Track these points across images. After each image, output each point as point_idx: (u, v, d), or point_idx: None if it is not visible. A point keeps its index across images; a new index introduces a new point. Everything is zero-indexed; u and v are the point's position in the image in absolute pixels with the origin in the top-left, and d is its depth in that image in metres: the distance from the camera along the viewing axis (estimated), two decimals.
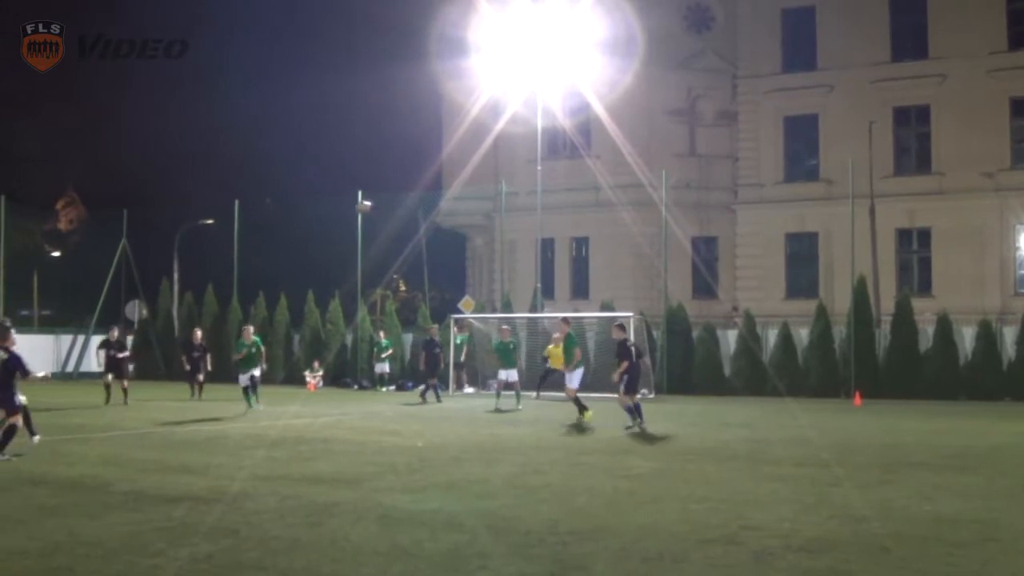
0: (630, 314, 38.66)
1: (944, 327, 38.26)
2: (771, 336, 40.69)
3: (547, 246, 52.98)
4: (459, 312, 44.68)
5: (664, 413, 29.53)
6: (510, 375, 32.30)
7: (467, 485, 14.35)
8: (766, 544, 10.43)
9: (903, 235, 50.46)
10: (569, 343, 25.87)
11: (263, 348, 31.03)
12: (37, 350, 50.02)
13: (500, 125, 52.21)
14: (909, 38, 50.82)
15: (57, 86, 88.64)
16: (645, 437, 21.86)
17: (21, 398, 17.87)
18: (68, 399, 30.99)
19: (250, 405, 29.08)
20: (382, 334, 43.68)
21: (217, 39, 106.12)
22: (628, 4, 52.04)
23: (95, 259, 56.55)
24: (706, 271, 51.89)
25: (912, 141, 51.54)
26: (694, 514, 12.09)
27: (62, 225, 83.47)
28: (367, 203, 43.06)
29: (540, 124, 46.52)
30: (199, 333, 36.32)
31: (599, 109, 50.97)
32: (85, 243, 70.59)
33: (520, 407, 30.72)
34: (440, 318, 44.39)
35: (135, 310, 53.95)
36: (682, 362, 40.76)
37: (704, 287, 51.72)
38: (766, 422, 26.48)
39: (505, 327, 35.31)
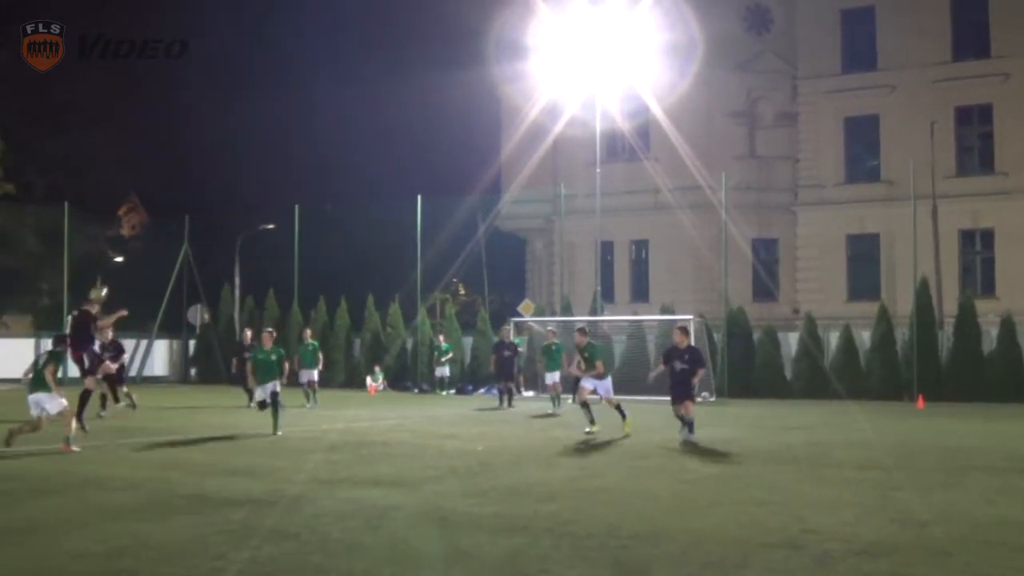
0: (690, 317, 38.57)
1: (1008, 329, 37.87)
2: (832, 339, 40.43)
3: (606, 249, 52.89)
4: (519, 315, 44.71)
5: (724, 416, 29.43)
6: (553, 377, 32.29)
7: (526, 488, 14.35)
8: (827, 548, 10.36)
9: (966, 236, 49.99)
10: (593, 352, 24.20)
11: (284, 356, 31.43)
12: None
13: (559, 128, 52.22)
14: (971, 37, 50.38)
15: (118, 93, 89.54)
16: (706, 441, 21.77)
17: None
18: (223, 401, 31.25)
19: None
20: (442, 338, 43.76)
21: (277, 44, 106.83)
22: (687, 6, 51.87)
23: (157, 264, 57.03)
24: (766, 273, 51.58)
25: (974, 141, 51.08)
26: (754, 518, 12.03)
27: (125, 231, 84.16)
28: (103, 291, 37.04)
29: (599, 127, 46.50)
30: (249, 334, 35.81)
31: (658, 111, 50.85)
32: (148, 249, 71.18)
33: (558, 411, 30.61)
34: (500, 321, 44.40)
35: (197, 315, 54.41)
36: (743, 365, 40.57)
37: (764, 290, 51.40)
38: (827, 425, 26.31)
39: (550, 329, 35.33)
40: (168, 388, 48.17)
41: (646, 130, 54.23)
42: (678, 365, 21.76)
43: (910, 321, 38.80)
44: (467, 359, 45.32)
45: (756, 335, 41.34)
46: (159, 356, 54.92)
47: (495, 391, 37.45)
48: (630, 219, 53.71)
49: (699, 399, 35.76)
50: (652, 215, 54.17)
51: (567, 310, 45.23)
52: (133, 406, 28.25)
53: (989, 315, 39.23)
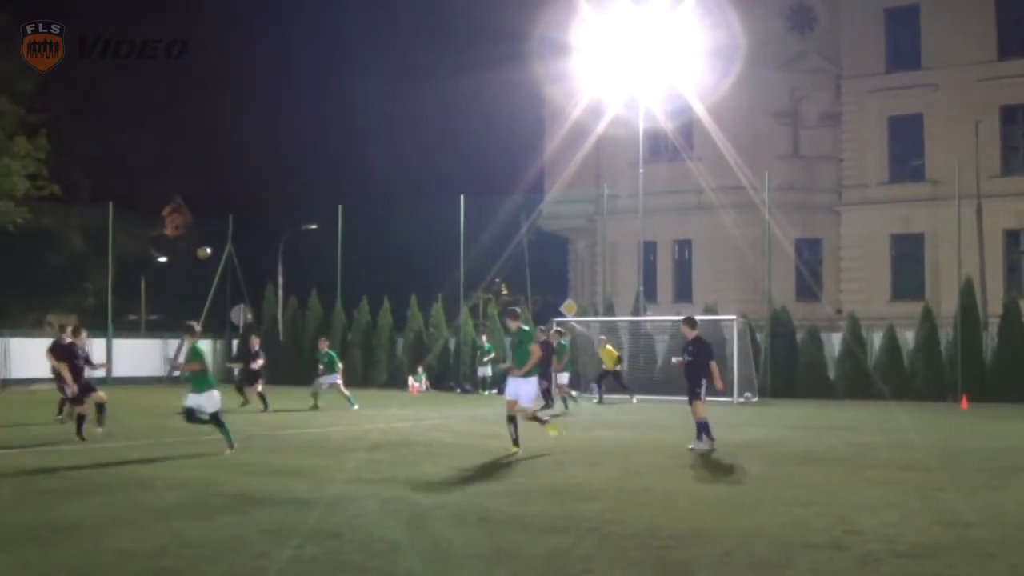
0: (733, 317, 38.50)
1: None
2: (876, 339, 40.18)
3: (649, 249, 52.84)
4: (561, 315, 44.68)
5: (767, 416, 29.36)
6: (561, 376, 32.49)
7: (568, 488, 14.36)
8: (871, 549, 10.32)
9: (1011, 236, 49.65)
10: (524, 339, 21.51)
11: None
12: (144, 354, 51.01)
13: (601, 128, 52.20)
14: (1016, 35, 50.02)
15: (163, 95, 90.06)
16: (748, 442, 21.70)
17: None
18: (175, 402, 31.37)
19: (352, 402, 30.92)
20: (484, 338, 43.77)
21: (322, 45, 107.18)
22: (730, 5, 51.74)
23: (201, 264, 57.38)
24: (809, 274, 51.31)
25: (1020, 140, 50.74)
26: (798, 518, 11.99)
27: (168, 231, 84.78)
28: (207, 249, 39.54)
29: (642, 126, 46.44)
30: (257, 341, 35.69)
31: (701, 111, 50.76)
32: (191, 249, 71.63)
33: (570, 411, 30.71)
34: (542, 321, 44.37)
35: (240, 315, 54.63)
36: (786, 365, 40.40)
37: (807, 290, 51.14)
38: (871, 426, 26.17)
39: (557, 330, 35.42)
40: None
41: (689, 130, 54.14)
42: (685, 358, 20.92)
43: (954, 321, 38.51)
44: (509, 359, 45.27)
45: (799, 335, 41.15)
46: None
47: (594, 390, 37.36)
48: (673, 219, 53.64)
49: (741, 399, 35.92)
50: (695, 215, 54.08)
51: (610, 310, 45.20)
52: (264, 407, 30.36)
53: None
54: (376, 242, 60.63)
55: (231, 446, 18.37)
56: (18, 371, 47.12)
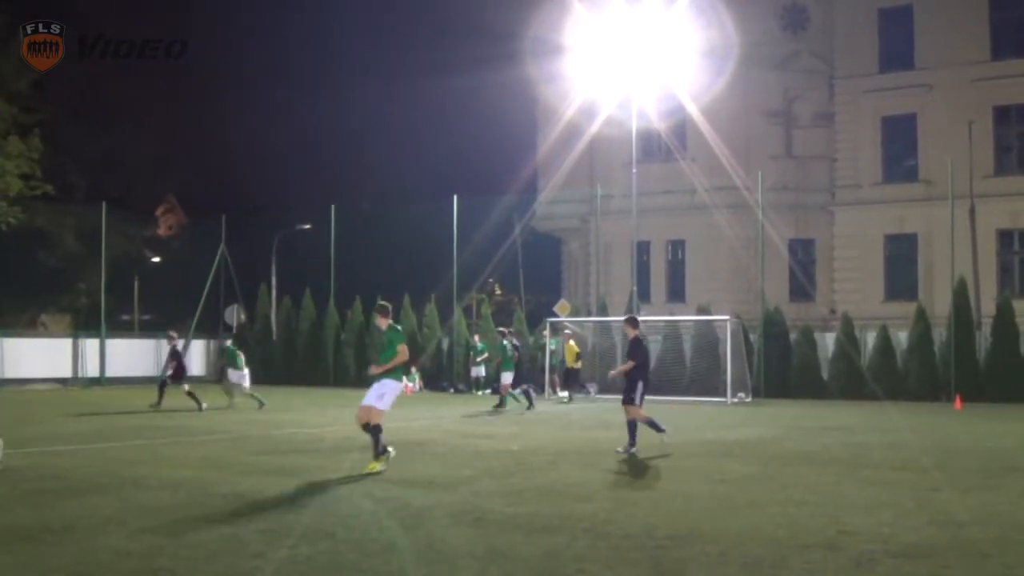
0: (726, 317, 38.55)
1: None
2: (869, 339, 40.27)
3: (643, 249, 52.88)
4: (555, 316, 44.73)
5: (761, 417, 29.40)
6: (504, 376, 33.52)
7: (563, 488, 14.37)
8: (865, 549, 10.33)
9: (1004, 236, 49.71)
10: (393, 338, 19.29)
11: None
12: (138, 354, 51.01)
13: (595, 128, 52.23)
14: (1010, 35, 50.13)
15: (156, 93, 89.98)
16: (743, 442, 21.73)
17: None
18: (169, 402, 31.41)
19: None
20: (477, 338, 43.83)
21: (310, 44, 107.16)
22: (723, 5, 51.80)
23: (194, 264, 57.38)
24: (803, 274, 51.34)
25: (1013, 140, 50.79)
26: (792, 519, 12.00)
27: (162, 231, 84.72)
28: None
29: (635, 127, 46.43)
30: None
31: (694, 111, 50.81)
32: (184, 248, 71.62)
33: (503, 410, 31.81)
34: (536, 322, 44.47)
35: (234, 315, 54.68)
36: (779, 365, 40.45)
37: (801, 290, 51.18)
38: (864, 426, 26.21)
39: (500, 330, 35.98)
40: (205, 388, 48.39)
41: (683, 130, 54.19)
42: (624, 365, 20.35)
43: (948, 321, 38.62)
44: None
45: (793, 335, 41.23)
46: (196, 356, 55.15)
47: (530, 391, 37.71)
48: (666, 219, 53.68)
49: (735, 399, 36.03)
50: (689, 215, 54.11)
51: (603, 310, 45.24)
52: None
53: None
54: (370, 242, 60.67)
55: None
56: (12, 371, 47.08)
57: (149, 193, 79.39)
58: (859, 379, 38.72)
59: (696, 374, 40.05)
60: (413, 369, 44.83)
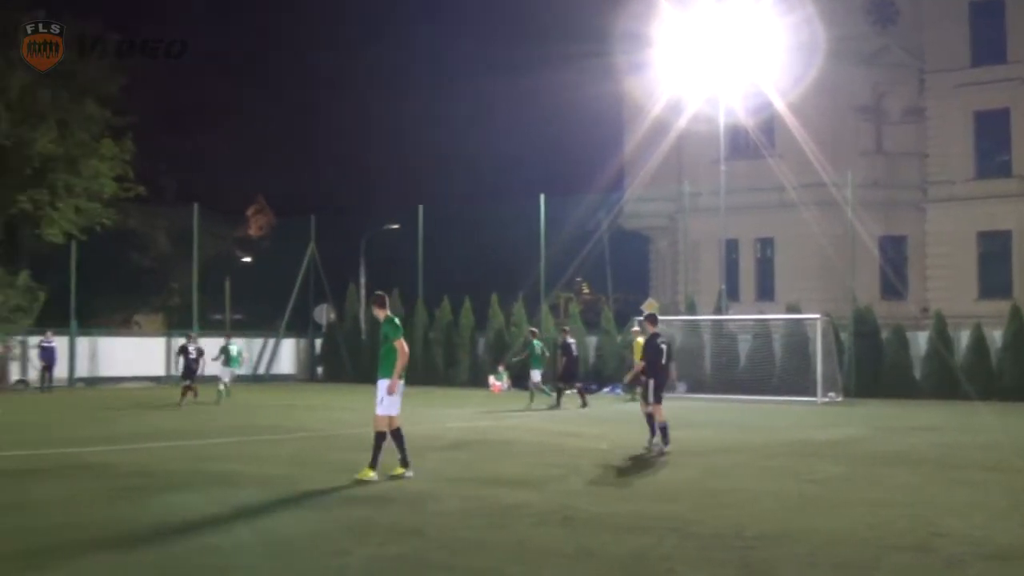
0: (817, 316, 38.19)
1: None
2: (963, 338, 39.60)
3: (731, 247, 52.55)
4: (642, 314, 44.56)
5: (852, 416, 29.10)
6: (533, 374, 34.11)
7: (650, 488, 14.33)
8: (957, 551, 10.20)
9: None
10: (390, 332, 17.87)
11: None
12: None
13: (682, 124, 51.97)
14: None
15: (246, 96, 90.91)
16: (832, 442, 21.53)
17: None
18: (260, 400, 31.75)
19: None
20: (566, 336, 43.74)
21: (403, 46, 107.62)
22: (811, 0, 51.33)
23: (285, 264, 57.89)
24: (894, 272, 50.68)
25: None
26: (882, 520, 11.87)
27: (252, 231, 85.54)
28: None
29: (723, 123, 46.11)
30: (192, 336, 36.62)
31: (782, 107, 50.37)
32: (275, 249, 72.24)
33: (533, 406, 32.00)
34: (624, 320, 44.29)
35: (323, 314, 55.14)
36: (870, 365, 39.97)
37: (892, 288, 50.53)
38: (957, 426, 25.87)
39: (531, 329, 37.17)
40: (295, 386, 48.89)
41: (771, 126, 53.78)
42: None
43: None
44: (591, 358, 45.20)
45: (884, 334, 40.70)
46: (286, 355, 55.73)
47: (618, 390, 37.78)
48: (755, 217, 53.28)
49: (826, 399, 35.68)
50: (777, 213, 53.68)
51: (691, 309, 44.98)
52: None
53: None
54: (457, 241, 60.78)
55: None
56: (106, 369, 47.82)
57: (239, 194, 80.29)
58: (952, 378, 38.13)
59: (786, 373, 39.65)
60: (500, 368, 44.85)
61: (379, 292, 16.20)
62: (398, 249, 54.22)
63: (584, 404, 32.81)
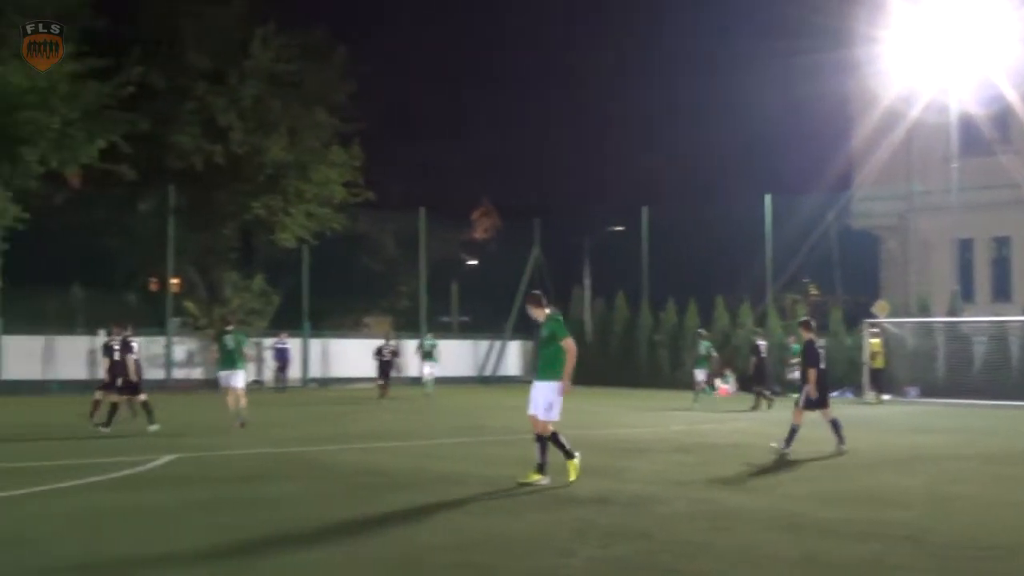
0: None
1: None
2: None
3: (965, 247, 51.03)
4: (873, 316, 43.64)
5: None
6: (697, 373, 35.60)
7: (880, 494, 14.00)
8: None
9: None
10: (556, 329, 16.33)
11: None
12: (458, 355, 52.36)
13: (912, 119, 50.63)
14: None
15: (469, 101, 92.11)
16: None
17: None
18: (486, 401, 32.08)
19: None
20: (793, 339, 43.16)
21: (624, 41, 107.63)
22: None
23: (510, 266, 58.45)
24: None
25: None
26: None
27: (478, 234, 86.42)
28: None
29: (954, 120, 44.83)
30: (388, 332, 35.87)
31: (1016, 102, 48.61)
32: (500, 251, 72.91)
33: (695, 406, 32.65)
34: (853, 322, 43.47)
35: None
36: None
37: None
38: None
39: (700, 331, 38.87)
40: (521, 388, 49.21)
41: (1004, 121, 51.94)
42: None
43: None
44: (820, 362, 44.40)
45: None
46: (512, 356, 56.29)
47: (849, 393, 37.26)
48: (989, 215, 51.50)
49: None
50: (1013, 211, 51.79)
51: (924, 310, 43.87)
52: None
53: None
54: (682, 242, 60.44)
55: None
56: (337, 370, 49.02)
57: (465, 197, 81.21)
58: None
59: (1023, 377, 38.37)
60: (727, 371, 44.48)
61: (535, 291, 15.76)
62: (622, 251, 54.25)
63: (756, 407, 32.54)
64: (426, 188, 71.10)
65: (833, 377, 42.22)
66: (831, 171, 56.72)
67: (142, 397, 23.48)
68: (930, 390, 37.77)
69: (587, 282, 55.98)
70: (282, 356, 44.04)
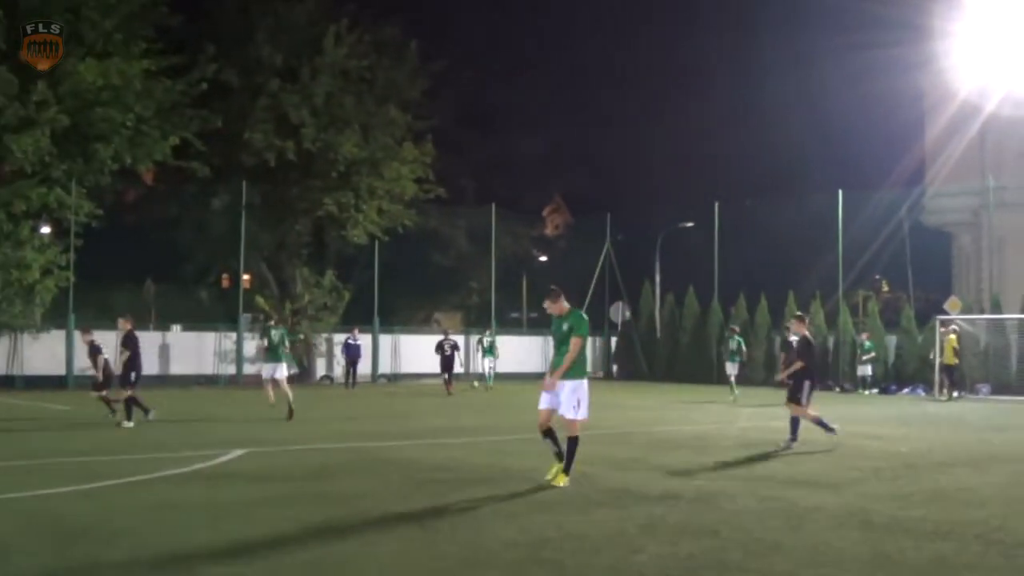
0: None
1: None
2: None
3: None
4: (945, 313, 43.25)
5: None
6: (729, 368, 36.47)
7: (954, 492, 13.89)
8: None
9: None
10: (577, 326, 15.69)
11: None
12: (527, 351, 52.48)
13: (987, 113, 50.03)
14: None
15: (543, 98, 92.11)
16: None
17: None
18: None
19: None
20: (865, 336, 42.90)
21: (696, 38, 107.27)
22: None
23: (580, 262, 58.50)
24: None
25: None
26: None
27: (549, 230, 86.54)
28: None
29: None
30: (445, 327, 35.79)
31: None
32: (571, 247, 72.96)
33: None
34: (924, 319, 43.11)
35: (619, 312, 55.45)
36: None
37: None
38: None
39: (732, 327, 39.01)
40: (590, 384, 49.19)
41: None
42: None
43: None
44: (890, 358, 44.14)
45: None
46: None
47: (920, 391, 37.01)
48: None
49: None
50: None
51: (996, 308, 43.40)
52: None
53: None
54: (753, 238, 60.17)
55: None
56: (407, 366, 49.26)
57: (536, 193, 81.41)
58: None
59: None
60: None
61: (553, 286, 15.23)
62: (693, 246, 54.14)
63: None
64: (498, 184, 71.39)
65: (904, 374, 42.08)
66: (904, 167, 56.26)
67: (104, 393, 24.09)
68: (1001, 388, 37.39)
69: (657, 278, 55.89)
70: (353, 352, 44.25)
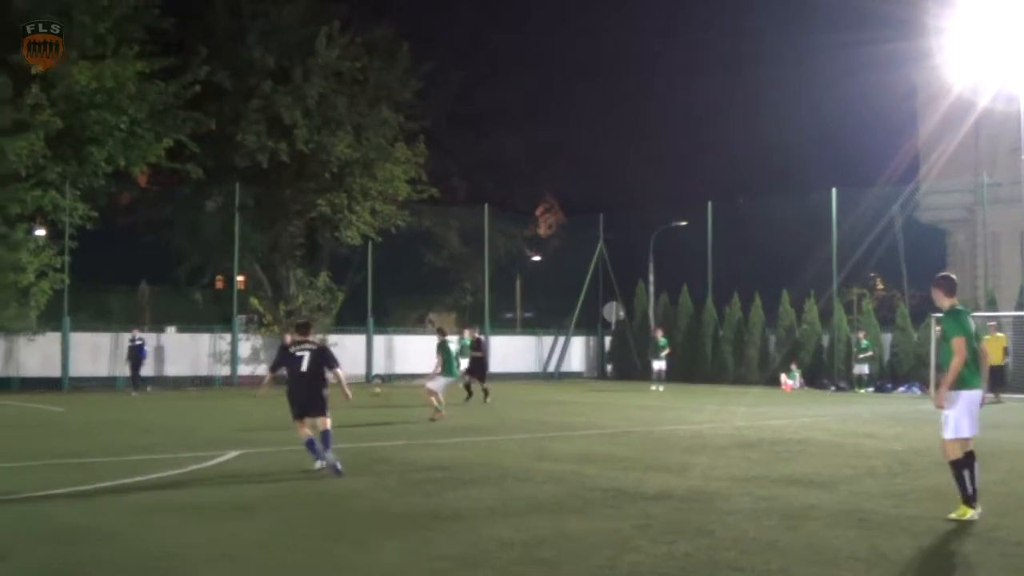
0: None
1: None
2: None
3: None
4: (939, 311, 43.24)
5: None
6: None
7: (950, 491, 13.83)
8: None
9: None
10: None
11: None
12: (520, 351, 52.51)
13: (980, 109, 50.05)
14: None
15: (532, 98, 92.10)
16: None
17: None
18: (550, 397, 32.11)
19: None
20: (861, 334, 42.92)
21: (687, 34, 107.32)
22: None
23: (574, 262, 58.50)
24: None
25: None
26: None
27: (541, 230, 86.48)
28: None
29: (1023, 109, 44.26)
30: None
31: None
32: (564, 247, 72.95)
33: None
34: (920, 317, 43.10)
35: (612, 312, 55.47)
36: None
37: None
38: None
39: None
40: (584, 384, 49.32)
41: None
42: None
43: None
44: (886, 356, 44.15)
45: None
46: (576, 352, 56.33)
47: (916, 389, 36.99)
48: None
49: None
50: None
51: (991, 304, 43.40)
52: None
53: None
54: (746, 237, 60.22)
55: None
56: (401, 366, 49.20)
57: (529, 193, 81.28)
58: None
59: None
60: (793, 366, 44.30)
61: (943, 273, 13.19)
62: (687, 246, 54.09)
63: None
64: (491, 184, 71.34)
65: (900, 372, 42.09)
66: (898, 163, 56.29)
67: None
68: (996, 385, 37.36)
69: (651, 277, 55.87)
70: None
